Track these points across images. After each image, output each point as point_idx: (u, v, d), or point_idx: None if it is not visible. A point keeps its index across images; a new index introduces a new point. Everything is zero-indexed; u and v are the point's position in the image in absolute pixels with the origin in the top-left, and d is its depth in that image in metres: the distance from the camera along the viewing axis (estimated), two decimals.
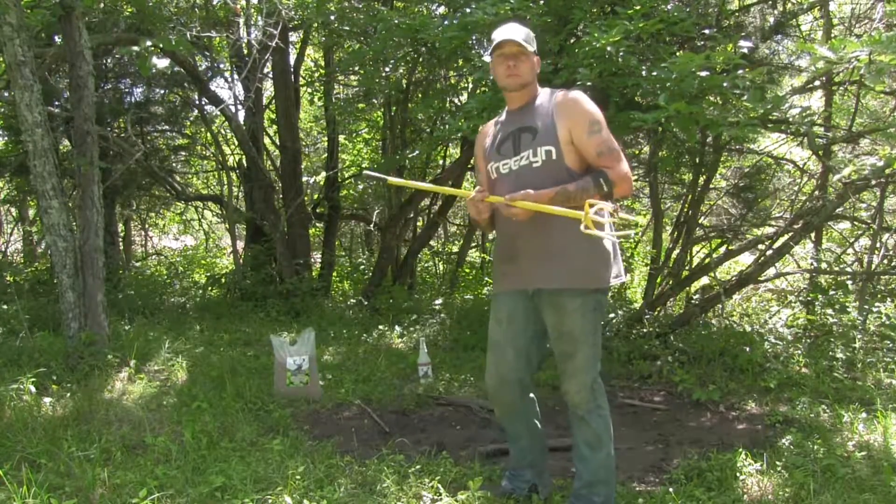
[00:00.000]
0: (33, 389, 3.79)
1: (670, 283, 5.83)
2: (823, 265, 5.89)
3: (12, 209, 10.43)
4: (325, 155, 9.49)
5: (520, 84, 2.53)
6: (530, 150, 2.49)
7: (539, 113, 2.52)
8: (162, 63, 4.53)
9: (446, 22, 4.58)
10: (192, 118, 9.43)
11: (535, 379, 2.85)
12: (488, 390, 2.77)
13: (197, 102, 8.84)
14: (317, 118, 10.53)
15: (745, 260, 6.93)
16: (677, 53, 4.33)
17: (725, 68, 3.84)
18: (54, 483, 2.82)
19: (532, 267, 2.51)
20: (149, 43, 4.38)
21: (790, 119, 4.41)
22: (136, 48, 4.46)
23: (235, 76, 8.29)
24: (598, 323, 2.51)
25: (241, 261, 8.40)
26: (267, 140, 9.50)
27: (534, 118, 2.53)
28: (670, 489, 2.82)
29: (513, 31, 2.52)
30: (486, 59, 5.41)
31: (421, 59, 6.21)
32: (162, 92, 8.79)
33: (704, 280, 5.98)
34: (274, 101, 8.81)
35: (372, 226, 9.38)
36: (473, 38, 4.92)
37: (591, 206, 2.29)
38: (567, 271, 2.45)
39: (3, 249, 9.73)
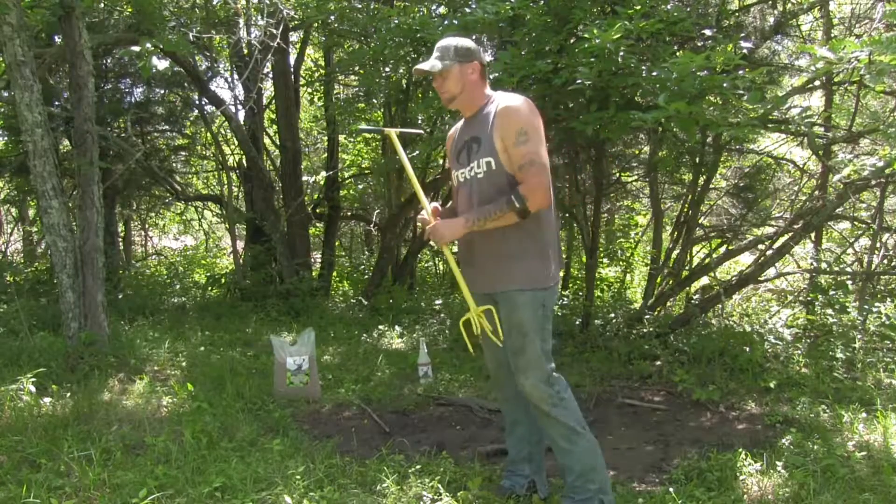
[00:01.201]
0: (33, 389, 3.79)
1: (670, 283, 5.83)
2: (823, 265, 5.88)
3: (12, 209, 10.42)
4: (325, 155, 9.49)
5: (447, 100, 2.65)
6: (476, 161, 2.59)
7: (484, 123, 2.60)
8: (162, 64, 4.53)
9: (446, 22, 4.58)
10: (192, 118, 9.43)
11: None
12: (490, 374, 2.91)
13: (197, 102, 8.84)
14: (317, 118, 10.53)
15: (745, 260, 6.93)
16: (677, 53, 4.33)
17: (725, 68, 3.84)
18: (54, 483, 2.82)
19: (485, 271, 2.64)
20: (149, 45, 4.37)
21: (790, 119, 4.41)
22: (136, 48, 4.46)
23: (236, 76, 8.29)
24: (546, 318, 2.59)
25: (241, 261, 8.40)
26: (267, 140, 9.50)
27: (479, 127, 2.61)
28: (670, 489, 2.82)
29: (429, 58, 2.64)
30: (487, 58, 5.41)
31: (421, 59, 6.20)
32: (162, 92, 8.79)
33: (704, 280, 5.98)
34: (274, 101, 8.81)
35: (372, 226, 9.38)
36: (473, 38, 4.92)
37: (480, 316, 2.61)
38: (518, 273, 2.56)
39: (3, 249, 9.72)
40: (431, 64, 2.62)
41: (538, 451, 2.85)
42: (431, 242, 2.55)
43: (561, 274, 2.99)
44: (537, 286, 2.55)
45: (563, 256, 7.10)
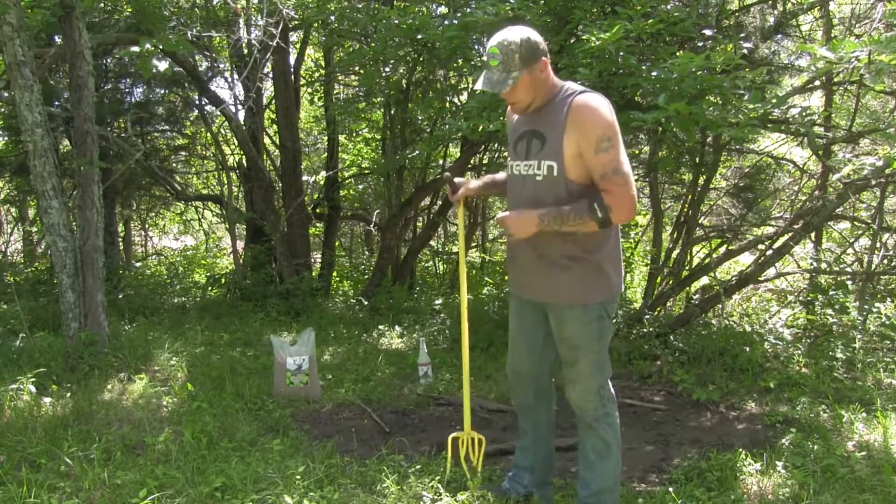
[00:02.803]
0: (33, 389, 3.79)
1: (670, 283, 5.83)
2: (823, 265, 5.88)
3: (12, 209, 10.42)
4: (325, 155, 9.48)
5: (522, 109, 2.45)
6: (536, 162, 2.40)
7: (552, 118, 2.38)
8: (163, 65, 4.52)
9: (446, 22, 4.59)
10: (192, 118, 9.42)
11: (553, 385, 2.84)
12: (508, 379, 2.89)
13: (197, 102, 8.84)
14: (317, 118, 10.52)
15: (745, 260, 6.93)
16: (677, 53, 4.33)
17: (726, 69, 3.84)
18: (54, 483, 2.82)
19: (532, 280, 2.53)
20: (148, 46, 4.37)
21: (790, 119, 4.41)
22: (136, 48, 4.46)
23: (235, 76, 8.29)
24: (602, 331, 2.46)
25: (241, 261, 8.39)
26: (267, 140, 9.49)
27: (546, 123, 2.40)
28: (670, 489, 2.82)
29: (489, 74, 2.35)
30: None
31: (421, 59, 6.20)
32: (162, 92, 8.78)
33: (704, 280, 5.97)
34: (274, 101, 8.81)
35: (372, 226, 9.37)
36: (473, 37, 4.92)
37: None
38: (565, 287, 2.43)
39: (3, 249, 9.72)
40: (499, 83, 2.32)
41: (543, 466, 2.82)
42: (500, 224, 2.40)
43: (624, 284, 2.79)
44: (589, 301, 2.40)
45: None
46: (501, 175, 2.82)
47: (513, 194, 2.57)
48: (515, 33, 2.34)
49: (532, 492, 2.79)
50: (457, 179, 2.89)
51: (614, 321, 5.57)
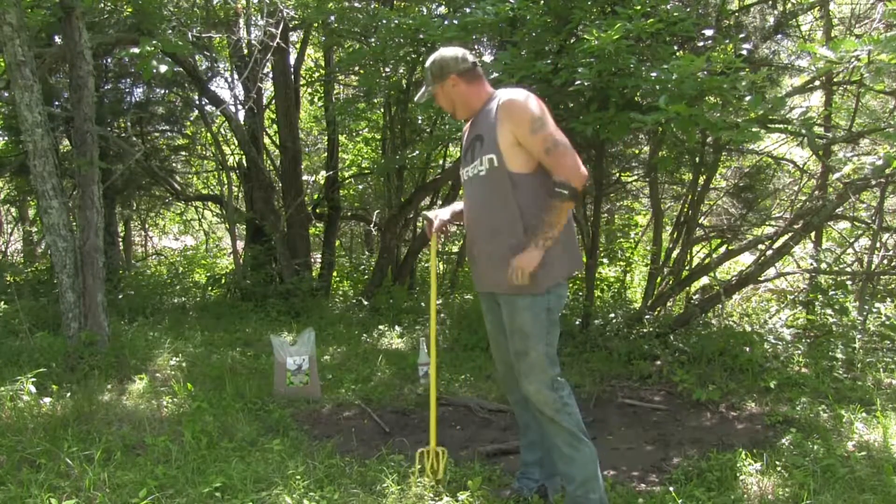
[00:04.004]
0: (33, 389, 3.79)
1: (670, 283, 5.83)
2: (823, 265, 5.88)
3: (12, 209, 10.42)
4: (325, 155, 9.49)
5: (453, 113, 2.75)
6: (479, 160, 2.59)
7: (486, 119, 2.60)
8: (164, 68, 4.51)
9: (446, 22, 4.58)
10: (192, 118, 9.42)
11: None
12: (498, 376, 2.95)
13: (197, 102, 8.84)
14: (317, 118, 10.52)
15: (745, 260, 6.93)
16: (677, 54, 4.33)
17: (725, 70, 3.84)
18: (54, 483, 2.82)
19: (486, 272, 2.63)
20: (149, 48, 4.36)
21: (790, 120, 4.41)
22: (136, 49, 4.46)
23: (235, 76, 8.29)
24: (552, 322, 2.55)
25: (241, 261, 8.39)
26: (267, 140, 9.49)
27: (483, 125, 2.62)
28: (670, 489, 2.82)
29: (421, 90, 2.78)
30: (487, 59, 5.41)
31: (421, 59, 6.20)
32: (162, 92, 8.79)
33: (704, 280, 5.98)
34: (274, 101, 8.81)
35: (372, 226, 9.37)
36: (473, 37, 4.92)
37: None
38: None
39: (3, 249, 9.73)
40: (420, 95, 2.80)
41: (550, 458, 2.82)
42: (517, 281, 2.47)
43: (576, 273, 2.95)
44: (537, 290, 2.50)
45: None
46: (459, 204, 2.93)
47: (466, 200, 2.72)
48: (436, 54, 2.72)
49: (544, 484, 2.80)
50: (429, 213, 3.03)
51: (613, 318, 5.59)
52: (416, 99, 2.84)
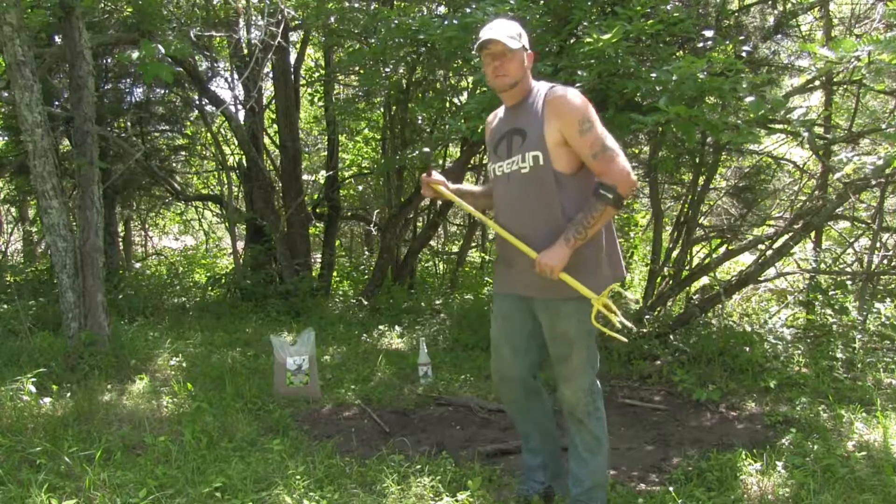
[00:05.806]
0: (33, 389, 3.79)
1: (670, 283, 5.83)
2: (823, 265, 5.88)
3: (12, 209, 10.42)
4: (325, 155, 9.49)
5: (508, 84, 2.47)
6: (520, 155, 2.45)
7: (530, 113, 2.46)
8: (166, 73, 4.47)
9: (446, 22, 4.58)
10: (192, 118, 9.43)
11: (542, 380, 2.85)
12: (494, 386, 2.86)
13: (197, 102, 8.84)
14: (317, 118, 10.53)
15: (745, 260, 6.93)
16: (677, 54, 4.33)
17: (726, 72, 3.84)
18: (54, 483, 2.82)
19: (526, 275, 2.50)
20: (148, 60, 4.33)
21: (790, 121, 4.41)
22: (136, 54, 4.45)
23: (236, 76, 8.29)
24: (593, 326, 2.48)
25: (241, 261, 8.39)
26: (267, 140, 9.49)
27: (525, 119, 2.47)
28: (670, 489, 2.82)
29: (498, 30, 2.43)
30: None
31: (421, 59, 6.21)
32: (162, 92, 8.79)
33: (704, 280, 5.98)
34: (274, 101, 8.81)
35: (372, 226, 9.38)
36: (473, 38, 4.92)
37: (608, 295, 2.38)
38: (560, 282, 2.41)
39: (3, 249, 9.72)
40: (509, 39, 2.39)
41: (553, 459, 2.82)
42: (540, 273, 2.38)
43: (625, 278, 2.82)
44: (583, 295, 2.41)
45: None
46: (470, 186, 2.80)
47: (500, 198, 2.56)
48: (507, 20, 2.53)
49: (550, 486, 2.79)
50: (437, 176, 2.72)
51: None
52: (490, 36, 2.39)
